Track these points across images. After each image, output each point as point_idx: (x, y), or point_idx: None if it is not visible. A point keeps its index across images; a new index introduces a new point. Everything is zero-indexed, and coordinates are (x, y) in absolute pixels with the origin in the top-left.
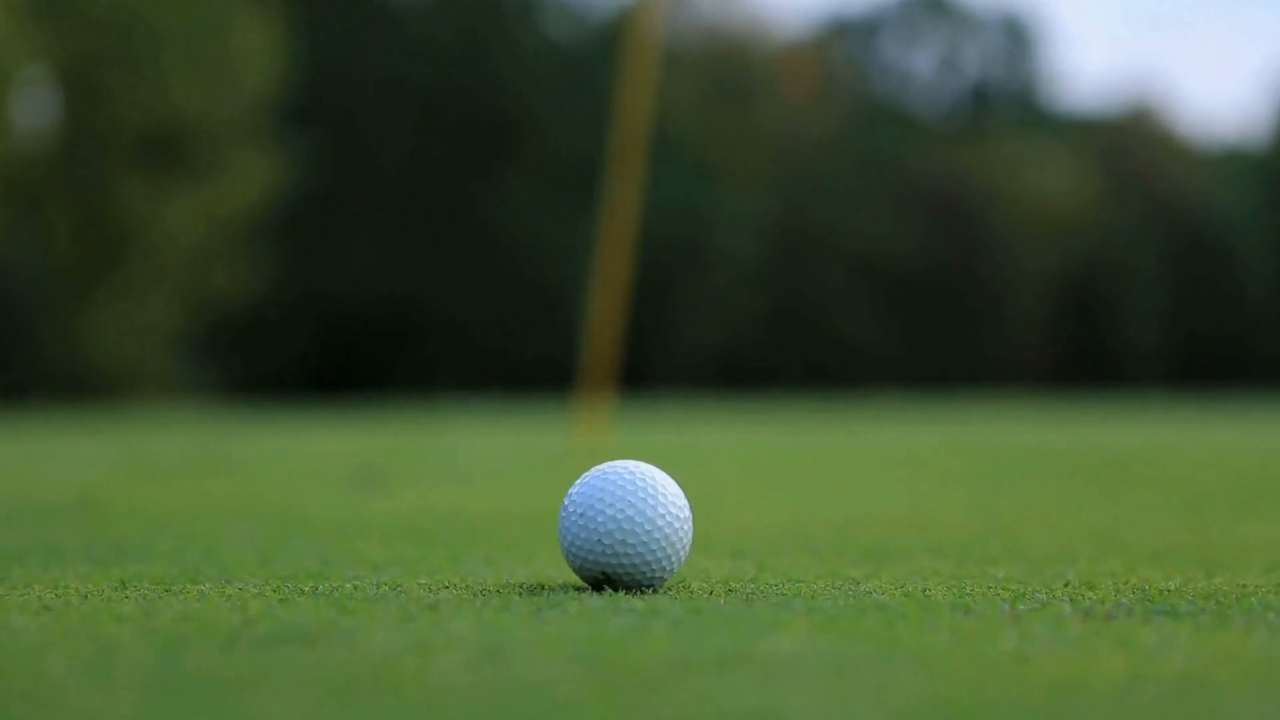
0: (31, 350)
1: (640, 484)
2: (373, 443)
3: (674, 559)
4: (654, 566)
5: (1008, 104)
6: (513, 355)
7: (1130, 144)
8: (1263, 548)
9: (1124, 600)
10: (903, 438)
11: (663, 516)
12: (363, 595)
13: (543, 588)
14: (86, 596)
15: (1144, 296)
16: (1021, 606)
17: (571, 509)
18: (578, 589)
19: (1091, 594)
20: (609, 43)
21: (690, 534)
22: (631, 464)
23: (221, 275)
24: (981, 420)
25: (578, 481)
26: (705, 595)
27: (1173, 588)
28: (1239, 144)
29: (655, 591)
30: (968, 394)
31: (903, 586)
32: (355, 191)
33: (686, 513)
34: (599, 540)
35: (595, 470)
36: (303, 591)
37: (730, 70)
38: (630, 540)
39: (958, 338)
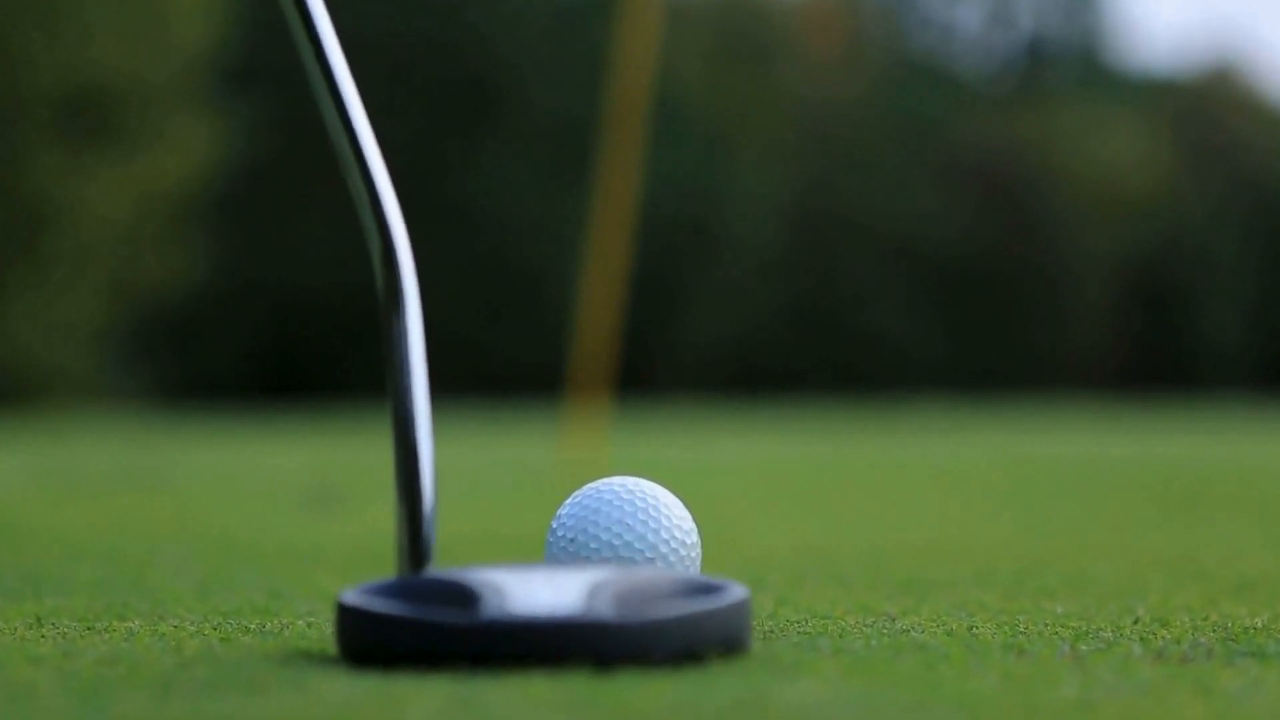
0: None
1: (640, 504)
2: (329, 455)
3: None
4: None
5: (1067, 63)
6: (492, 354)
7: (1210, 110)
8: None
9: (1202, 639)
10: (946, 450)
11: (666, 543)
12: (318, 634)
13: None
14: None
15: (1226, 287)
16: (1084, 647)
17: (561, 533)
18: None
19: (1165, 632)
20: None
21: (698, 562)
22: (630, 481)
23: (154, 262)
24: (1037, 430)
25: (567, 501)
26: None
27: (1259, 625)
28: None
29: None
30: (1021, 399)
31: (945, 623)
32: (308, 165)
33: (694, 538)
34: None
35: (588, 488)
36: (248, 629)
37: (745, 24)
38: None
39: (1009, 335)
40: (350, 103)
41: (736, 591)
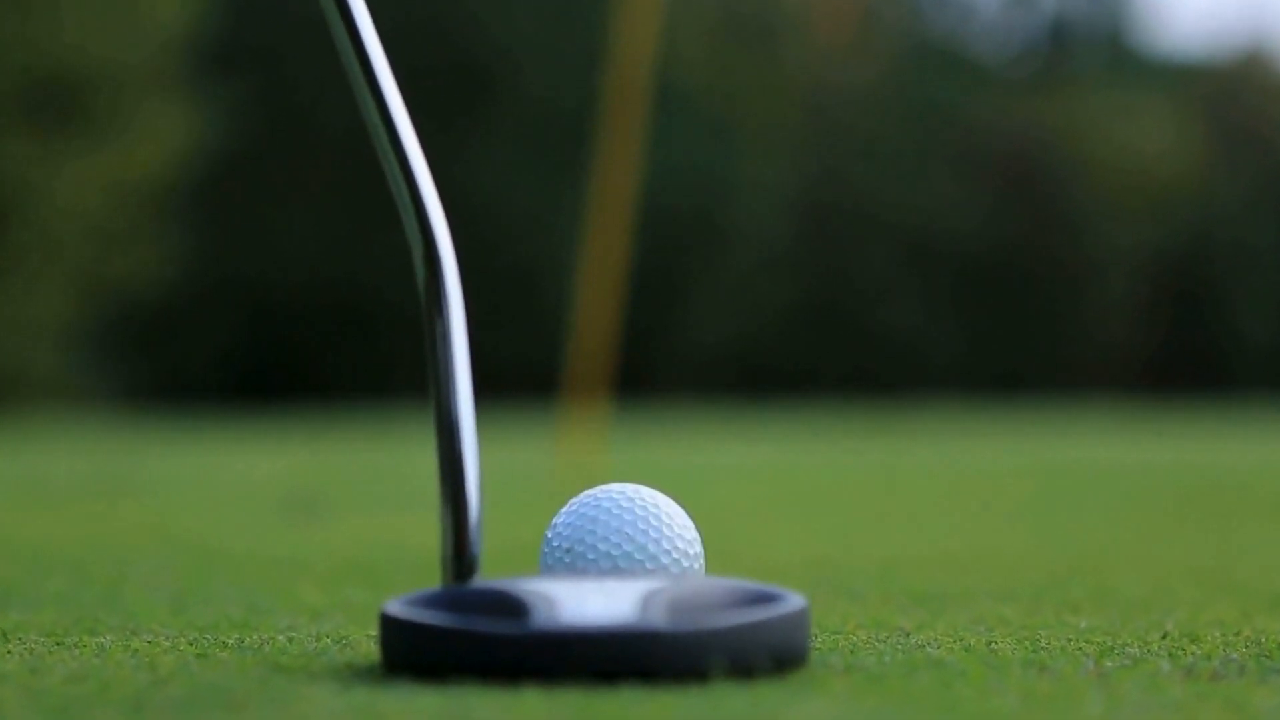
0: None
1: (641, 513)
2: (311, 461)
3: None
4: None
5: (1092, 46)
6: (485, 354)
7: (1242, 95)
8: None
9: (1234, 656)
10: (963, 455)
11: (668, 553)
12: (299, 649)
13: None
14: None
15: (1260, 282)
16: (1109, 663)
17: (556, 543)
18: None
19: (1195, 648)
20: None
21: (701, 574)
22: (630, 488)
23: (126, 256)
24: (1059, 434)
25: (564, 510)
26: None
27: None
28: None
29: None
30: (1042, 401)
31: (963, 639)
32: (289, 153)
33: (697, 548)
34: None
35: (585, 496)
36: (225, 645)
37: (751, 4)
38: None
39: (1031, 333)
40: (391, 98)
41: (794, 600)
